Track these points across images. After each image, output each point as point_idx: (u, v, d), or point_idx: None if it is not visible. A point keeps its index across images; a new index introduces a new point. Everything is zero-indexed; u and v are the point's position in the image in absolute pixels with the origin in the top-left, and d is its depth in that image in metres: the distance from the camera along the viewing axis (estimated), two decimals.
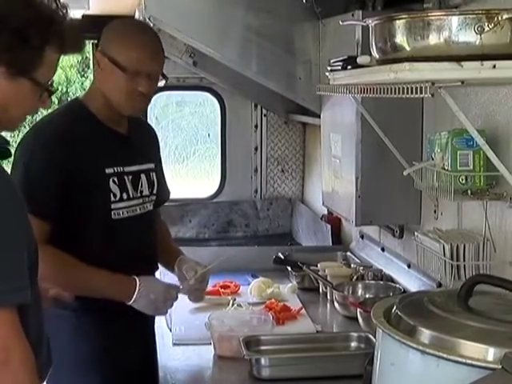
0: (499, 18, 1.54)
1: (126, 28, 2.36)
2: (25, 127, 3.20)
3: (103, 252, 2.27)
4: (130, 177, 2.34)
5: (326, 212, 3.79)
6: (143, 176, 2.40)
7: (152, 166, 2.46)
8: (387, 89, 1.79)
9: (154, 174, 2.46)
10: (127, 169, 2.34)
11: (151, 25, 3.16)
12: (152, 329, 2.49)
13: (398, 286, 2.81)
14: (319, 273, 3.02)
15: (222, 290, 2.96)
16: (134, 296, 2.24)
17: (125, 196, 2.31)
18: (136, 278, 2.27)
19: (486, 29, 1.55)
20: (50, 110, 2.27)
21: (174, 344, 2.45)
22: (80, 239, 2.25)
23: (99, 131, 2.31)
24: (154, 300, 2.26)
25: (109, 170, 2.28)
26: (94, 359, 2.27)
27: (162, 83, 2.40)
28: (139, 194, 2.37)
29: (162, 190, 2.53)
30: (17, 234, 1.57)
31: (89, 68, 10.27)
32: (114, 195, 2.29)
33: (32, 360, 1.53)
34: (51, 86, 1.70)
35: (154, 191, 2.45)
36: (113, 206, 2.28)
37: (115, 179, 2.29)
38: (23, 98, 1.65)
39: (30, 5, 1.60)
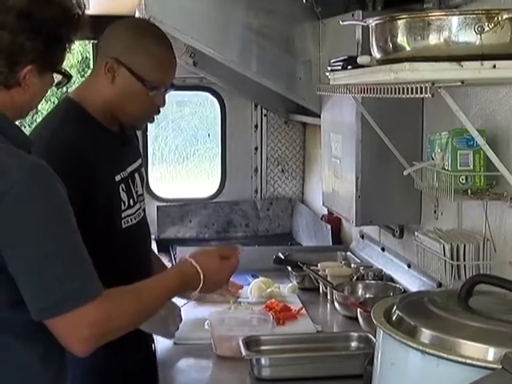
0: (499, 18, 1.54)
1: (148, 38, 2.22)
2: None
3: (115, 263, 2.15)
4: (131, 179, 2.28)
5: (326, 212, 3.78)
6: (136, 175, 2.33)
7: (140, 161, 2.40)
8: (387, 89, 1.79)
9: (142, 169, 2.41)
10: (128, 170, 2.27)
11: None
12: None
13: (398, 285, 2.81)
14: (319, 273, 3.02)
15: None
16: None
17: (131, 202, 2.25)
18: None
19: (486, 29, 1.55)
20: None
21: (174, 344, 2.45)
22: (92, 255, 2.14)
23: (101, 135, 2.22)
24: (165, 317, 2.25)
25: (118, 178, 2.20)
26: (94, 361, 2.26)
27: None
28: (137, 195, 2.32)
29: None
30: (74, 223, 1.63)
31: (89, 68, 10.28)
32: (124, 203, 2.21)
33: (118, 300, 1.68)
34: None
35: (144, 187, 2.40)
36: (123, 215, 2.21)
37: (123, 186, 2.22)
38: (47, 88, 1.71)
39: (50, 0, 1.62)
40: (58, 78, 1.74)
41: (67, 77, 1.74)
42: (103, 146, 2.20)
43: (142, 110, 2.25)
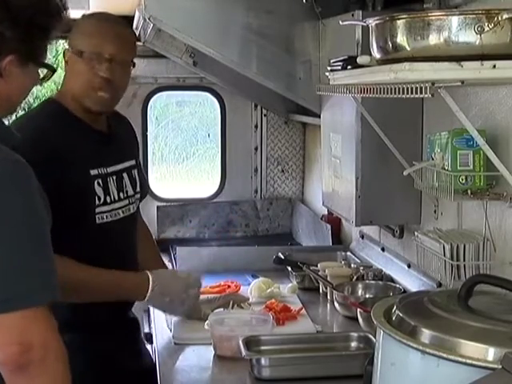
0: (499, 18, 1.55)
1: (89, 18, 2.34)
2: None
3: (85, 257, 2.15)
4: (114, 177, 2.29)
5: (326, 212, 3.78)
6: (125, 175, 2.35)
7: (133, 162, 2.43)
8: (387, 89, 1.79)
9: (135, 171, 2.43)
10: (110, 169, 2.29)
11: (151, 25, 3.17)
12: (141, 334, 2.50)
13: (398, 285, 2.81)
14: (319, 273, 3.02)
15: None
16: (148, 294, 2.21)
17: (108, 199, 2.26)
18: (149, 273, 2.23)
19: (486, 29, 1.55)
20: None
21: (174, 344, 2.45)
22: (63, 245, 1.97)
23: (79, 129, 2.26)
24: (170, 302, 2.25)
25: (93, 172, 2.23)
26: (93, 361, 2.26)
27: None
28: (125, 195, 2.33)
29: (144, 186, 2.51)
30: (47, 229, 1.54)
31: None
32: (99, 198, 2.23)
33: (66, 356, 1.50)
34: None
35: (137, 189, 2.42)
36: (97, 210, 2.22)
37: (100, 181, 2.24)
38: (30, 81, 1.67)
39: None
40: (43, 72, 1.71)
41: (51, 70, 1.70)
42: (78, 139, 2.24)
43: (87, 85, 2.24)
